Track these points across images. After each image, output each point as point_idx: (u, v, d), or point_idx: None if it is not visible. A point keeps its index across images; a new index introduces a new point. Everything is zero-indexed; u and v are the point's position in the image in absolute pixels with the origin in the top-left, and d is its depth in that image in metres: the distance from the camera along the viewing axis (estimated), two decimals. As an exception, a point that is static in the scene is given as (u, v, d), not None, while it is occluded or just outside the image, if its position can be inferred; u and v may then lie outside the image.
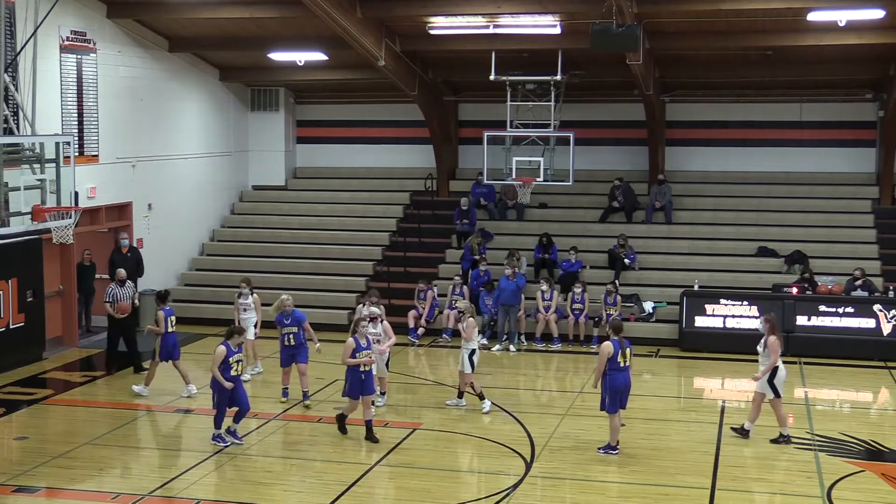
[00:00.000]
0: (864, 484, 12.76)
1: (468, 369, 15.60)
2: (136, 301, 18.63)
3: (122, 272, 18.54)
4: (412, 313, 21.10)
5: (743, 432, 14.44)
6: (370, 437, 14.11)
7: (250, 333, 17.58)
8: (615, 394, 13.56)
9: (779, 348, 14.26)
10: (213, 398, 14.04)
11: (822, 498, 12.27)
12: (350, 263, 23.46)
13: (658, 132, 24.07)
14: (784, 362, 18.91)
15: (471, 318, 15.79)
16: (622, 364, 13.53)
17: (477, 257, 21.97)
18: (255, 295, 17.93)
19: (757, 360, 19.72)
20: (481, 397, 15.75)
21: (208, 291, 23.13)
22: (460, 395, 15.94)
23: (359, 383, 14.15)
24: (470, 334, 15.64)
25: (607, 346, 13.56)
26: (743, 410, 16.55)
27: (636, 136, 24.46)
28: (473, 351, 15.63)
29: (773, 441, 14.21)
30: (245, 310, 17.85)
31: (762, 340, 14.43)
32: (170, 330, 16.53)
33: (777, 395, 14.24)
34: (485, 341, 20.43)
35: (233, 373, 13.94)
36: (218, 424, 13.99)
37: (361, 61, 21.76)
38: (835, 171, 23.88)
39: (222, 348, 13.86)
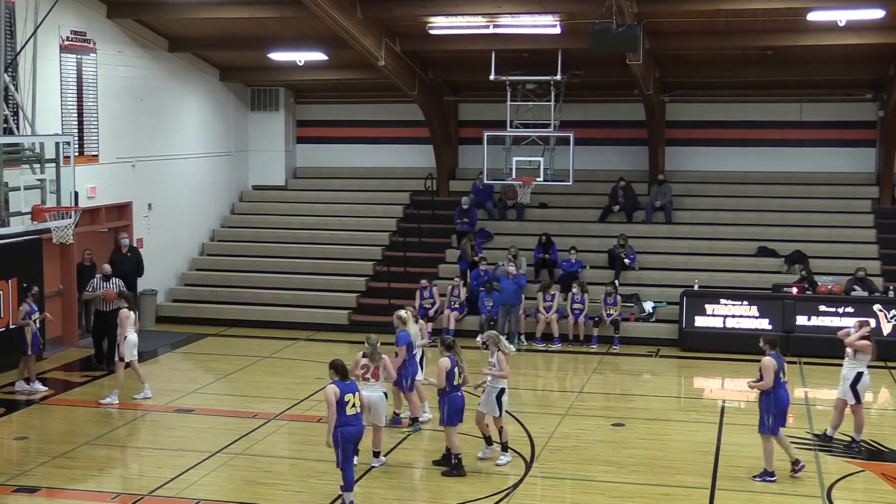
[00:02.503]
0: (864, 484, 12.76)
1: (496, 412, 13.33)
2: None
3: (106, 267, 18.53)
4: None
5: (826, 439, 14.15)
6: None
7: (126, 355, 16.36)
8: (780, 413, 12.71)
9: (871, 352, 14.00)
10: (337, 455, 11.65)
11: (822, 498, 12.27)
12: (350, 263, 23.45)
13: (658, 132, 24.07)
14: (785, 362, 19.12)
15: (501, 353, 13.37)
16: (783, 380, 12.81)
17: (476, 259, 21.95)
18: (131, 312, 16.32)
19: (758, 361, 19.76)
20: (504, 448, 13.43)
21: (208, 291, 23.14)
22: (489, 442, 13.56)
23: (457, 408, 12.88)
24: (505, 369, 13.36)
25: (770, 362, 12.75)
26: (743, 410, 16.58)
27: (636, 136, 24.45)
28: (503, 391, 13.33)
29: (847, 446, 14.04)
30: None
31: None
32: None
33: (858, 400, 14.01)
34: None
35: (349, 410, 11.58)
36: (349, 485, 11.71)
37: (361, 61, 21.76)
38: (835, 171, 23.87)
39: (332, 388, 11.58)
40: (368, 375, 12.80)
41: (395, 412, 14.91)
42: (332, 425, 11.42)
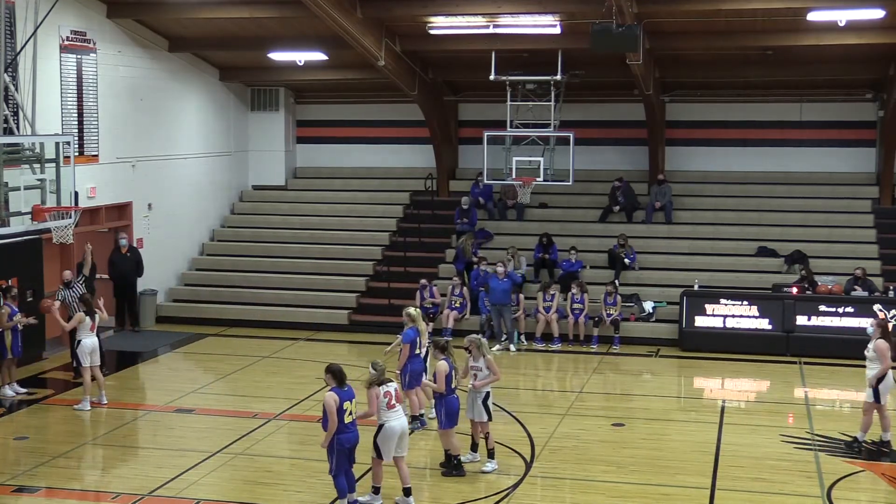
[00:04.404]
0: (864, 484, 12.76)
1: (484, 417, 13.08)
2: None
3: (67, 274, 18.08)
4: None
5: (884, 444, 13.85)
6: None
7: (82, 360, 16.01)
8: None
9: (888, 352, 13.67)
10: (331, 463, 11.45)
11: (822, 498, 12.26)
12: (350, 263, 23.44)
13: (658, 132, 24.06)
14: (784, 362, 19.13)
15: (488, 356, 13.13)
16: None
17: (475, 259, 21.92)
18: (87, 317, 16.04)
19: (758, 361, 19.74)
20: (490, 455, 13.14)
21: (208, 291, 23.14)
22: (474, 448, 13.34)
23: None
24: (497, 373, 13.13)
25: None
26: (743, 410, 16.59)
27: (636, 136, 24.44)
28: (488, 395, 13.12)
29: (848, 445, 13.97)
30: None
31: (869, 345, 13.90)
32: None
33: (877, 400, 13.77)
34: (484, 341, 20.35)
35: (347, 419, 11.32)
36: (342, 494, 11.49)
37: (361, 61, 21.76)
38: (835, 171, 23.86)
39: (331, 395, 11.24)
40: (393, 402, 11.76)
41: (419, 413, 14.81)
42: (332, 434, 11.23)
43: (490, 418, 13.13)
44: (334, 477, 11.44)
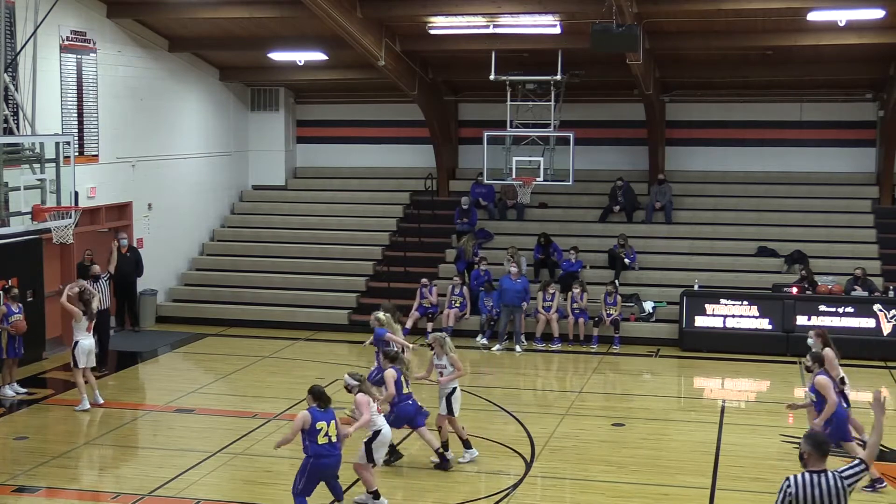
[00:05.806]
0: (864, 484, 12.73)
1: (444, 411, 13.28)
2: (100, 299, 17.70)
3: (96, 268, 18.16)
4: (414, 314, 21.07)
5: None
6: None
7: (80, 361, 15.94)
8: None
9: (835, 360, 13.46)
10: (297, 482, 11.16)
11: (822, 498, 12.24)
12: (350, 263, 23.44)
13: (658, 132, 24.07)
14: (784, 362, 19.12)
15: (451, 354, 13.28)
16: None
17: (476, 259, 21.91)
18: (84, 318, 16.06)
19: (758, 361, 19.69)
20: (466, 445, 13.37)
21: (208, 291, 23.14)
22: (468, 446, 13.45)
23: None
24: (460, 368, 13.39)
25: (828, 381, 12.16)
26: (743, 410, 16.59)
27: (636, 136, 24.44)
28: (454, 390, 13.29)
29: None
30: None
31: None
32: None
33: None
34: (485, 340, 20.42)
35: (321, 440, 10.94)
36: None
37: (361, 61, 21.77)
38: (835, 171, 23.86)
39: (304, 413, 11.03)
40: (379, 408, 11.87)
41: None
42: (284, 443, 11.23)
43: (451, 413, 13.24)
44: (295, 496, 11.18)
